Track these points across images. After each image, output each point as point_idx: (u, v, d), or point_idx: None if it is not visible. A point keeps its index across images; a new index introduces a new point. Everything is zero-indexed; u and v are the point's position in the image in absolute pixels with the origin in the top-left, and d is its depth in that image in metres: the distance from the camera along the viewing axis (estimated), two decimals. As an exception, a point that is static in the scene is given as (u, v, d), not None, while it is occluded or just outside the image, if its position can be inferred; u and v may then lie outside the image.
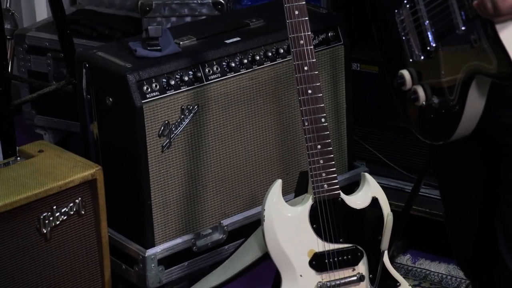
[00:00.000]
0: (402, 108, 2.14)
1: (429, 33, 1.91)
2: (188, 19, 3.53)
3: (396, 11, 2.04)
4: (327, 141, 2.44)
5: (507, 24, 1.75)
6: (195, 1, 3.58)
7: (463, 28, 1.82)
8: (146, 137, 2.79)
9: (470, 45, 1.81)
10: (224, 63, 2.95)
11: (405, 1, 2.02)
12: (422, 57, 1.95)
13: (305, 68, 2.43)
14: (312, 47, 2.47)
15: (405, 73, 1.96)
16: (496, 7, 1.69)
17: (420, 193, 3.13)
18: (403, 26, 2.00)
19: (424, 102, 1.94)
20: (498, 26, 1.74)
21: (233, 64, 2.95)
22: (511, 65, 1.72)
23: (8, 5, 3.82)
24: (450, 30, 1.86)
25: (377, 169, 3.29)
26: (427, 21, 1.92)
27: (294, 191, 2.58)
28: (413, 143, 3.30)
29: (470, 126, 1.89)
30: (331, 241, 2.43)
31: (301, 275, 2.44)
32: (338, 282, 2.46)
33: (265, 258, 2.55)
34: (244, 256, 2.78)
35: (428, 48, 1.91)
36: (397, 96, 2.12)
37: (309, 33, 2.45)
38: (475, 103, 1.84)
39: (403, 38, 2.00)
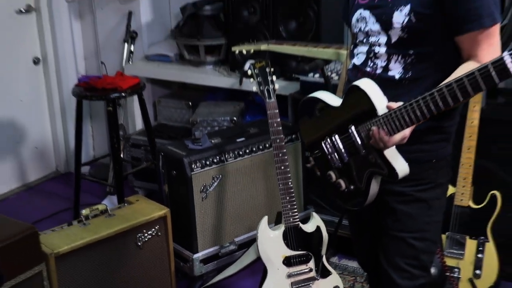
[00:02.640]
0: (329, 190, 2.05)
1: (344, 154, 1.88)
2: (216, 128, 3.48)
3: (323, 142, 1.96)
4: (292, 195, 2.53)
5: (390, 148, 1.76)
6: (220, 119, 3.51)
7: (363, 151, 1.81)
8: (193, 193, 2.88)
9: (369, 160, 1.81)
10: (235, 152, 2.99)
11: (328, 138, 1.95)
12: (341, 165, 1.91)
13: (280, 154, 2.52)
14: (283, 143, 2.55)
15: (332, 173, 1.95)
16: (385, 146, 1.72)
17: (342, 223, 3.01)
18: (328, 148, 1.93)
19: (345, 188, 1.93)
20: (385, 151, 1.76)
21: (241, 152, 3.01)
22: (393, 172, 1.77)
23: (122, 121, 3.83)
24: (357, 152, 1.84)
25: (319, 210, 3.19)
26: (343, 147, 1.87)
27: (274, 222, 2.64)
28: None
29: (372, 198, 1.87)
30: (294, 250, 2.55)
31: (278, 268, 2.54)
32: (298, 272, 2.55)
33: (258, 259, 2.62)
34: (246, 258, 2.83)
35: (344, 161, 1.89)
36: (325, 184, 2.05)
37: (282, 135, 2.54)
38: (374, 187, 1.85)
39: (328, 153, 1.94)
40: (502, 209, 2.65)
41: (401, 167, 1.77)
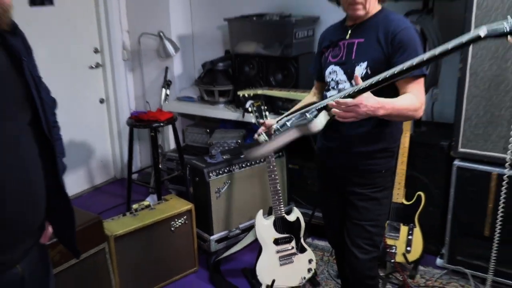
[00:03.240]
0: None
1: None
2: (226, 148, 3.40)
3: None
4: (280, 195, 2.51)
5: None
6: (229, 141, 3.44)
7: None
8: (210, 193, 2.86)
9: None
10: (239, 165, 2.97)
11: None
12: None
13: (271, 166, 2.50)
14: (273, 158, 2.52)
15: None
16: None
17: (314, 215, 3.04)
18: None
19: None
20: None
21: (243, 165, 2.98)
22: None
23: (160, 142, 3.80)
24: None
25: (298, 205, 3.15)
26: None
27: (267, 214, 2.59)
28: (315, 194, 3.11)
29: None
30: (281, 233, 2.53)
31: (269, 247, 2.51)
32: (284, 249, 2.53)
33: (256, 240, 2.59)
34: (247, 239, 2.79)
35: None
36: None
37: (272, 153, 2.52)
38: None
39: None
40: (425, 205, 2.67)
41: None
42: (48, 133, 1.24)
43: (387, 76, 1.51)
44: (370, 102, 1.56)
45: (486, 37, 1.33)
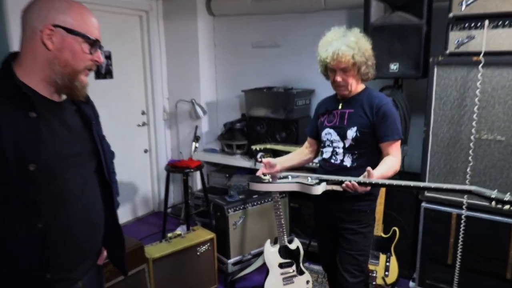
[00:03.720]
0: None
1: None
2: (242, 189, 3.26)
3: None
4: (283, 227, 2.48)
5: None
6: (244, 184, 3.31)
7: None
8: (229, 225, 2.81)
9: None
10: (252, 203, 2.92)
11: None
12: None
13: (276, 205, 2.47)
14: (279, 199, 2.49)
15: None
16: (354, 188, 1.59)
17: (310, 244, 2.97)
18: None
19: None
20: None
21: (255, 203, 2.93)
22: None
23: (190, 184, 3.78)
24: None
25: (298, 236, 2.88)
26: None
27: (273, 242, 2.53)
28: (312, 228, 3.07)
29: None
30: (284, 259, 2.48)
31: (275, 269, 2.46)
32: (286, 272, 2.48)
33: (264, 264, 2.53)
34: (257, 263, 2.74)
35: None
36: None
37: (278, 195, 2.50)
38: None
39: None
40: (399, 237, 2.62)
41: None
42: (108, 178, 1.26)
43: (387, 183, 1.58)
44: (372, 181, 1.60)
45: (474, 193, 1.34)
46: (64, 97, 1.14)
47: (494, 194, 1.31)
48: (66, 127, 1.11)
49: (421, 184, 1.46)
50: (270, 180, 1.77)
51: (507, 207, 1.31)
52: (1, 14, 2.00)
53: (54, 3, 1.04)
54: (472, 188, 1.35)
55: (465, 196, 2.27)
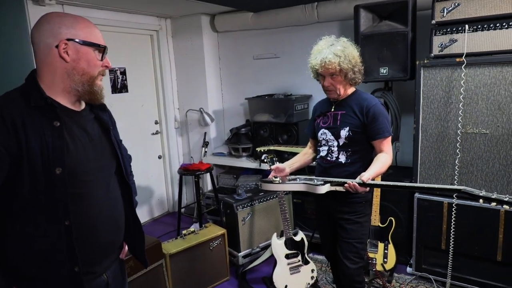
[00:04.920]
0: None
1: None
2: (249, 188, 3.24)
3: None
4: (288, 221, 2.43)
5: None
6: (250, 183, 3.37)
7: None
8: (238, 221, 2.80)
9: None
10: (259, 200, 2.90)
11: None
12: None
13: (281, 201, 2.43)
14: (284, 195, 2.46)
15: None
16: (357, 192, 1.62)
17: (314, 236, 2.92)
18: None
19: None
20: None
21: (261, 200, 2.91)
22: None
23: (201, 185, 3.73)
24: None
25: (302, 228, 3.01)
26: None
27: (279, 235, 2.49)
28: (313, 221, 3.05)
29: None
30: (290, 250, 2.45)
31: (282, 260, 2.43)
32: (293, 262, 2.44)
33: (272, 256, 2.50)
34: (265, 255, 2.69)
35: None
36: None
37: (283, 192, 2.48)
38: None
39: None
40: (395, 227, 2.60)
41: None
42: (127, 178, 1.26)
43: (384, 184, 1.61)
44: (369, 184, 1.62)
45: (463, 192, 1.33)
46: (83, 106, 1.16)
47: (482, 193, 1.30)
48: (86, 134, 1.13)
49: (415, 185, 1.47)
50: (280, 181, 1.79)
51: (493, 204, 1.30)
52: (24, 29, 2.03)
53: (62, 19, 1.05)
54: (462, 187, 1.35)
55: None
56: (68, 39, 1.04)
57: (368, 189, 1.62)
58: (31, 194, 1.01)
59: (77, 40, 1.05)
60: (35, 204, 1.02)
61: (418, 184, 1.44)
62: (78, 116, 1.13)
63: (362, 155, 1.80)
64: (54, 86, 1.07)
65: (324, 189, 1.63)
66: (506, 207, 1.28)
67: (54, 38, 1.04)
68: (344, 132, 1.77)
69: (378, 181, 1.63)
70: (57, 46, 1.04)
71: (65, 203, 1.04)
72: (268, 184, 1.75)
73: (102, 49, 1.10)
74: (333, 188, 1.65)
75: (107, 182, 1.17)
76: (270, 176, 1.88)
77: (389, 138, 1.77)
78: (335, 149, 1.83)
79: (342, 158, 1.82)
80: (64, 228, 1.05)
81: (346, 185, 1.60)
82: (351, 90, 1.82)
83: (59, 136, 1.03)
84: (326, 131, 1.84)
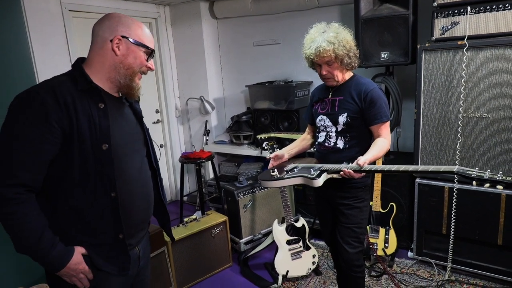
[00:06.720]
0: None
1: None
2: (250, 175, 3.28)
3: None
4: (289, 208, 2.46)
5: None
6: (252, 171, 3.40)
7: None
8: (239, 208, 2.79)
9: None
10: (260, 187, 2.87)
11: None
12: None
13: (283, 188, 2.42)
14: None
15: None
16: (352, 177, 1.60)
17: (315, 222, 2.96)
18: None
19: None
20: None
21: (262, 188, 2.86)
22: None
23: (203, 173, 3.72)
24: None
25: (303, 215, 3.05)
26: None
27: (281, 222, 2.53)
28: (312, 207, 3.00)
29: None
30: (291, 236, 2.48)
31: (283, 246, 2.47)
32: (294, 248, 2.48)
33: (273, 242, 2.54)
34: (267, 241, 2.72)
35: None
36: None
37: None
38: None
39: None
40: (396, 212, 2.61)
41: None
42: (155, 163, 1.37)
43: (379, 169, 1.59)
44: (366, 168, 1.58)
45: (457, 173, 1.30)
46: (120, 94, 1.27)
47: (474, 173, 1.26)
48: (125, 118, 1.25)
49: (410, 167, 1.44)
50: (278, 175, 1.80)
51: (487, 185, 1.27)
52: (23, 31, 2.00)
53: (120, 19, 1.19)
54: (455, 168, 1.32)
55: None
56: (123, 36, 1.17)
57: (363, 174, 1.61)
58: (81, 169, 1.11)
59: (130, 38, 1.18)
60: (84, 178, 1.12)
61: (412, 167, 1.41)
62: (118, 102, 1.24)
63: (360, 141, 1.80)
64: (101, 74, 1.19)
65: (320, 181, 1.62)
66: (507, 190, 1.24)
67: (110, 33, 1.17)
68: (342, 118, 1.77)
69: (374, 165, 1.61)
70: (111, 41, 1.17)
71: (111, 175, 1.15)
72: (267, 182, 1.75)
73: (149, 52, 1.22)
74: (330, 176, 1.65)
75: (140, 164, 1.27)
76: (269, 166, 1.88)
77: (387, 123, 1.75)
78: (333, 134, 1.83)
79: (340, 144, 1.81)
80: (110, 200, 1.15)
81: (341, 172, 1.61)
82: (348, 75, 1.81)
83: (105, 116, 1.15)
84: (324, 117, 1.84)
